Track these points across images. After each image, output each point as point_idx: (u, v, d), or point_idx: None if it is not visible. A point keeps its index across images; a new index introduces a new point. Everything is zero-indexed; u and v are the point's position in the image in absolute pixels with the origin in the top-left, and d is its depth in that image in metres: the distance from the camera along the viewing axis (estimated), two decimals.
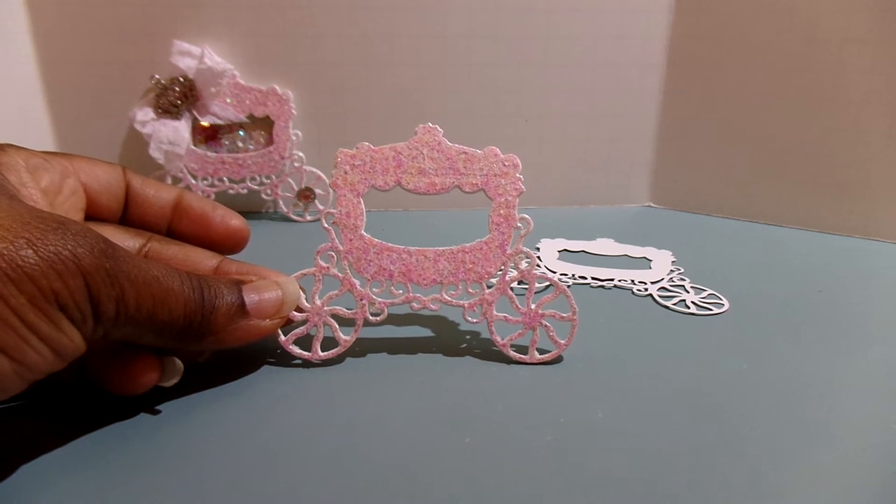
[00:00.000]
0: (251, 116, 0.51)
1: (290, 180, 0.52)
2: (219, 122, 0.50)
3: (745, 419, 0.25)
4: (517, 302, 0.29)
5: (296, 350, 0.29)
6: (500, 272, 0.29)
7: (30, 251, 0.18)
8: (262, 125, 0.51)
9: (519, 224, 0.28)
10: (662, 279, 0.40)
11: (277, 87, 0.50)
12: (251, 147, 0.51)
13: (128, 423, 0.24)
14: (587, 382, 0.28)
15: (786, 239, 0.49)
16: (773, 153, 0.50)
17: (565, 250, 0.45)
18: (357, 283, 0.29)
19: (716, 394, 0.27)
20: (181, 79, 0.48)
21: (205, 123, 0.50)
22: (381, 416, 0.25)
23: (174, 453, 0.23)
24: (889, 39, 0.44)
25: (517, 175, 0.28)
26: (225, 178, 0.51)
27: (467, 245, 0.29)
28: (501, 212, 0.28)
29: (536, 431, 0.24)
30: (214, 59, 0.49)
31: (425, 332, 0.32)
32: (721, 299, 0.37)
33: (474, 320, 0.29)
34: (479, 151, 0.28)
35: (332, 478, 0.22)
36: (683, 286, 0.39)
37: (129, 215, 0.28)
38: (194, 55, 0.49)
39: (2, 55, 0.45)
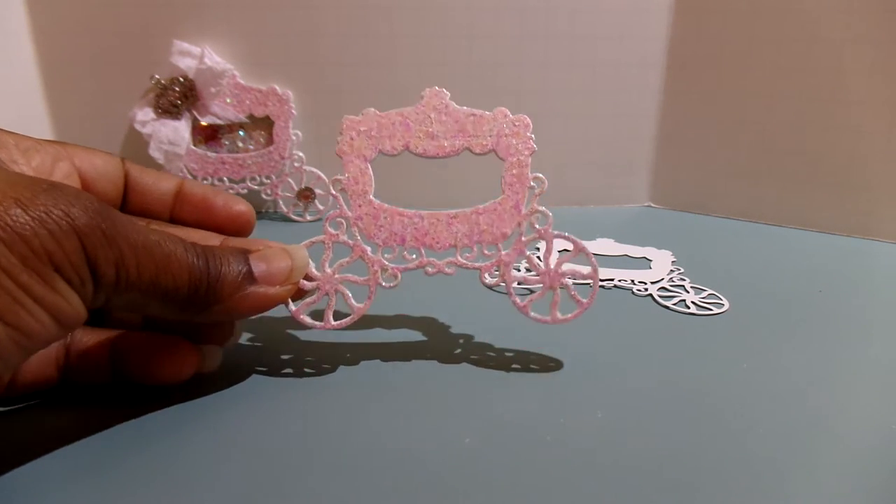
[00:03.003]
0: (251, 116, 0.51)
1: (290, 180, 0.52)
2: (219, 122, 0.50)
3: (745, 419, 0.25)
4: (535, 262, 0.28)
5: (307, 320, 0.28)
6: (516, 233, 0.28)
7: (19, 210, 0.18)
8: (262, 125, 0.51)
9: (533, 183, 0.28)
10: (662, 279, 0.40)
11: (277, 87, 0.50)
12: (251, 147, 0.51)
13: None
14: (587, 382, 0.28)
15: (786, 239, 0.49)
16: (773, 153, 0.50)
17: (565, 250, 0.44)
18: (368, 249, 0.28)
19: (716, 394, 0.27)
20: (181, 79, 0.48)
21: (205, 123, 0.50)
22: (379, 426, 0.25)
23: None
24: (889, 39, 0.44)
25: (528, 135, 0.28)
26: (225, 178, 0.51)
27: (481, 206, 0.28)
28: (514, 171, 0.27)
29: (536, 431, 0.24)
30: (214, 59, 0.49)
31: (416, 336, 0.32)
32: (721, 299, 0.37)
33: (493, 281, 0.28)
34: (487, 113, 0.28)
35: (331, 479, 0.22)
36: (683, 286, 0.38)
37: (129, 204, 0.28)
38: (194, 55, 0.49)
39: (2, 55, 0.45)
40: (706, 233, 0.50)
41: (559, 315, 0.28)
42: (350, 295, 0.28)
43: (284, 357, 0.30)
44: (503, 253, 0.28)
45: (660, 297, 0.37)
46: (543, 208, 0.28)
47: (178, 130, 0.49)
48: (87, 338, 0.25)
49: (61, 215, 0.18)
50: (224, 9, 0.48)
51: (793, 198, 0.50)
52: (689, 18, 0.51)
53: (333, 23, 0.49)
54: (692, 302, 0.36)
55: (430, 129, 0.27)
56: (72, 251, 0.19)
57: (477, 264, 0.28)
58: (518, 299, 0.28)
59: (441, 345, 0.31)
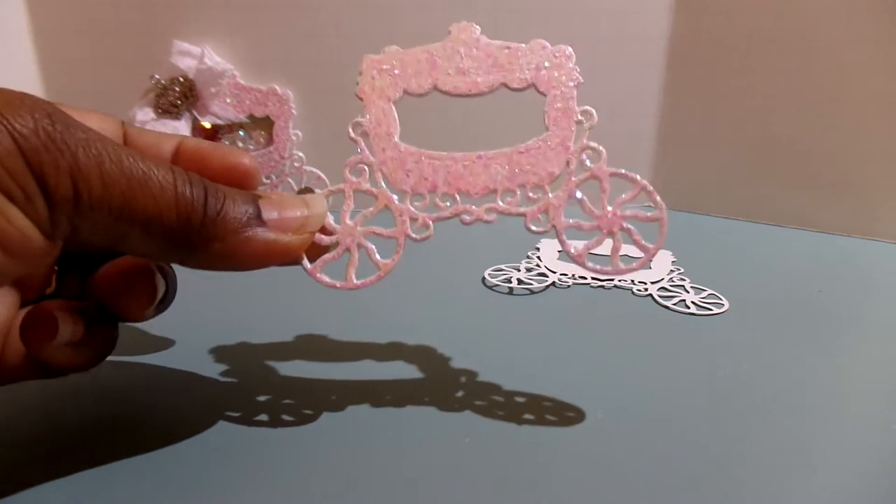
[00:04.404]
0: (251, 116, 0.51)
1: (290, 180, 0.52)
2: (219, 122, 0.50)
3: (745, 419, 0.25)
4: (590, 204, 0.25)
5: (325, 279, 0.24)
6: (565, 173, 0.25)
7: None
8: (262, 125, 0.51)
9: (580, 117, 0.25)
10: (662, 279, 0.40)
11: (277, 87, 0.50)
12: (251, 147, 0.51)
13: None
14: (586, 383, 0.28)
15: (786, 239, 0.49)
16: (774, 153, 0.50)
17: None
18: (395, 197, 0.25)
19: (715, 394, 0.27)
20: (181, 79, 0.48)
21: (205, 123, 0.50)
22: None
23: None
24: (889, 39, 0.44)
25: (571, 65, 0.25)
26: None
27: (522, 145, 0.25)
28: (558, 105, 0.25)
29: (535, 431, 0.24)
30: (214, 59, 0.49)
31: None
32: (721, 299, 0.37)
33: (539, 230, 0.25)
34: (523, 45, 0.25)
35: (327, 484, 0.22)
36: (683, 286, 0.38)
37: None
38: (194, 55, 0.48)
39: (2, 55, 0.45)
40: (706, 233, 0.50)
41: (621, 264, 0.25)
42: (374, 249, 0.24)
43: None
44: (551, 196, 0.25)
45: (660, 297, 0.37)
46: (595, 144, 0.25)
47: (178, 130, 0.49)
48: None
49: None
50: (224, 9, 0.48)
51: (793, 198, 0.50)
52: (689, 18, 0.51)
53: (333, 23, 0.49)
54: (692, 302, 0.36)
55: (461, 65, 0.25)
56: (5, 155, 0.15)
57: (521, 210, 0.25)
58: (572, 248, 0.25)
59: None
